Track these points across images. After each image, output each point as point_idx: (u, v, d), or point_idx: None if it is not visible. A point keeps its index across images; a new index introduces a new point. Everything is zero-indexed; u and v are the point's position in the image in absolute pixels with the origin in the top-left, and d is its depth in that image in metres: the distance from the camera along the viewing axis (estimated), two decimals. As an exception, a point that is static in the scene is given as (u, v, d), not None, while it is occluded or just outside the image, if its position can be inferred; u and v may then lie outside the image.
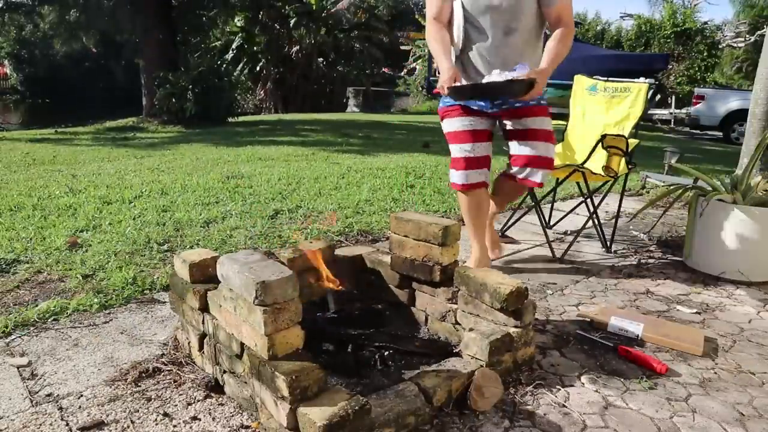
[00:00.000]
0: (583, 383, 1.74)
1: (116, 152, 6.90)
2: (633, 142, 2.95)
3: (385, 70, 25.66)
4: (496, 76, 2.25)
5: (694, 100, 12.20)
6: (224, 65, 17.00)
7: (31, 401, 1.59)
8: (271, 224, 3.36)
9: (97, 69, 25.33)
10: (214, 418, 1.52)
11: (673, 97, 15.69)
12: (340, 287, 1.97)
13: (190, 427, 1.48)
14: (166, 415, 1.53)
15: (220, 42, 19.80)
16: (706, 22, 16.97)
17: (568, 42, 2.34)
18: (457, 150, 2.48)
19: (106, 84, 25.04)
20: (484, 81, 2.28)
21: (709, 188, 2.87)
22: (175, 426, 1.49)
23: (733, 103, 11.41)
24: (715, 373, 1.83)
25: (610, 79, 3.26)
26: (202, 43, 18.36)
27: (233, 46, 19.39)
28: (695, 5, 17.41)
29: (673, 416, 1.58)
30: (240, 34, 19.29)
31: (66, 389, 1.65)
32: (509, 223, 3.37)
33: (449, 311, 1.93)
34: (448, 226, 1.88)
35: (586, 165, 2.83)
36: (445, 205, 3.98)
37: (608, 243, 3.11)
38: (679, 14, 16.75)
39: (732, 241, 2.67)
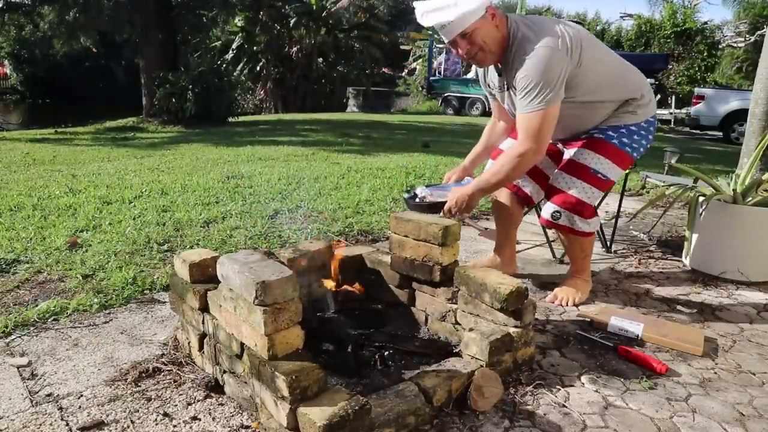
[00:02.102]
0: (583, 383, 1.74)
1: (116, 152, 6.91)
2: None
3: (385, 70, 25.67)
4: (422, 191, 2.28)
5: (694, 100, 12.20)
6: (224, 65, 17.00)
7: (31, 401, 1.59)
8: (271, 224, 3.36)
9: (97, 69, 25.31)
10: (214, 418, 1.52)
11: (673, 97, 15.69)
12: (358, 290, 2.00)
13: (190, 427, 1.48)
14: (166, 415, 1.53)
15: (220, 42, 19.79)
16: (706, 22, 16.98)
17: (515, 160, 2.05)
18: None
19: (106, 84, 25.02)
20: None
21: (710, 188, 2.87)
22: (175, 426, 1.49)
23: (733, 103, 11.42)
24: (715, 373, 1.83)
25: (610, 79, 3.25)
26: (202, 43, 18.36)
27: (233, 46, 19.37)
28: (695, 5, 17.41)
29: (673, 416, 1.58)
30: (240, 34, 19.28)
31: (66, 389, 1.65)
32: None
33: (449, 311, 1.93)
34: (448, 226, 1.88)
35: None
36: (445, 205, 3.97)
37: (608, 243, 3.11)
38: (679, 14, 16.75)
39: (732, 241, 2.67)
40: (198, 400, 1.60)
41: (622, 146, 2.21)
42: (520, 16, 2.10)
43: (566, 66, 1.98)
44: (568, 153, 2.29)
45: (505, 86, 2.17)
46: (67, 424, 1.49)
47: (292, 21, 19.15)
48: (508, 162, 2.07)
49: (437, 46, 18.33)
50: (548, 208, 2.23)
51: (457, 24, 1.94)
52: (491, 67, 2.24)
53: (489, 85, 2.33)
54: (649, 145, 2.31)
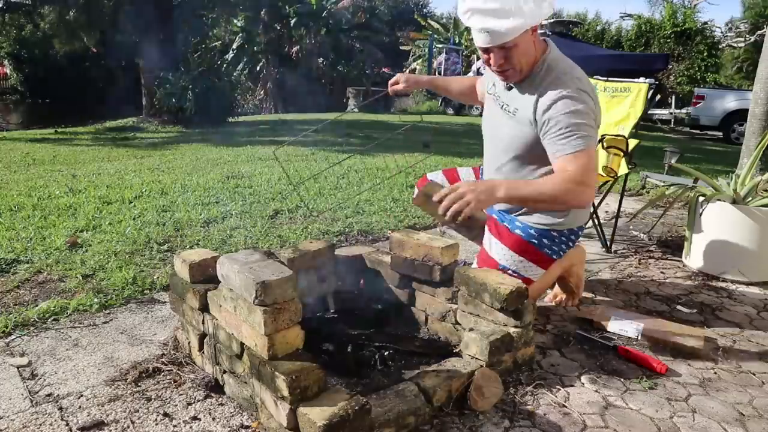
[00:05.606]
0: (583, 383, 1.74)
1: (116, 152, 6.90)
2: (633, 142, 2.95)
3: (385, 70, 25.64)
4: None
5: (694, 100, 12.20)
6: (224, 65, 16.99)
7: (31, 401, 1.59)
8: (271, 224, 3.36)
9: (97, 69, 25.29)
10: (214, 418, 1.52)
11: (673, 97, 15.68)
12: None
13: (190, 427, 1.48)
14: (166, 415, 1.53)
15: (220, 42, 19.79)
16: (706, 22, 16.95)
17: (559, 185, 1.71)
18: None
19: (106, 84, 25.01)
20: None
21: (710, 188, 2.87)
22: (175, 426, 1.49)
23: (733, 103, 11.42)
24: (715, 373, 1.83)
25: (610, 79, 3.26)
26: (202, 43, 18.34)
27: (233, 46, 19.38)
28: (695, 5, 17.39)
29: (673, 416, 1.58)
30: (240, 34, 19.28)
31: (66, 389, 1.65)
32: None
33: (449, 311, 1.93)
34: (448, 226, 1.88)
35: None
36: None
37: (608, 243, 3.11)
38: (679, 14, 16.72)
39: (732, 241, 2.67)
40: (198, 400, 1.60)
41: (540, 248, 2.02)
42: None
43: (595, 116, 1.83)
44: (486, 239, 2.10)
45: (505, 106, 1.96)
46: (67, 424, 1.49)
47: (292, 21, 19.16)
48: (552, 184, 1.73)
49: (437, 46, 18.32)
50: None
51: (508, 32, 1.72)
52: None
53: (488, 91, 2.11)
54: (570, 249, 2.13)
